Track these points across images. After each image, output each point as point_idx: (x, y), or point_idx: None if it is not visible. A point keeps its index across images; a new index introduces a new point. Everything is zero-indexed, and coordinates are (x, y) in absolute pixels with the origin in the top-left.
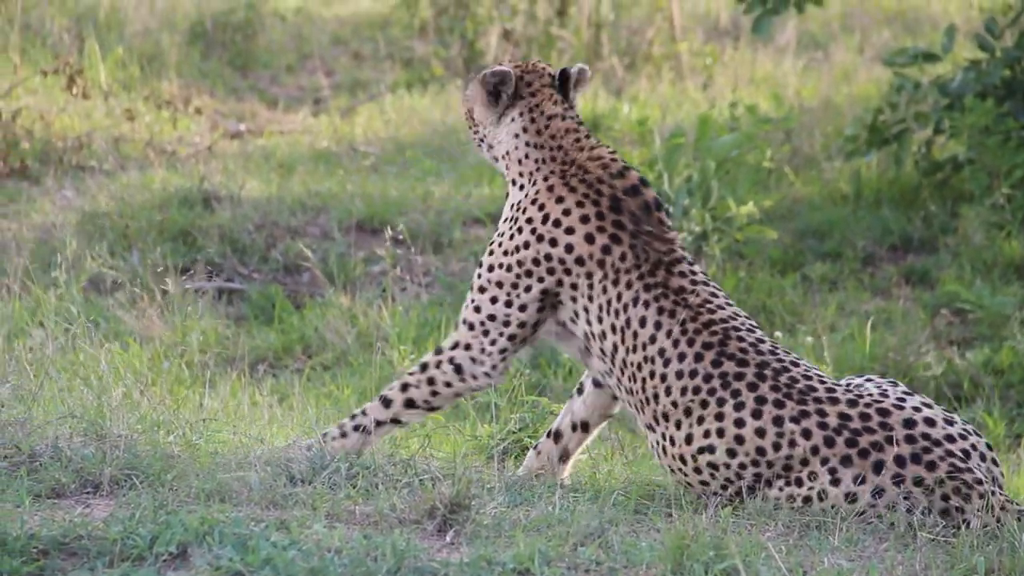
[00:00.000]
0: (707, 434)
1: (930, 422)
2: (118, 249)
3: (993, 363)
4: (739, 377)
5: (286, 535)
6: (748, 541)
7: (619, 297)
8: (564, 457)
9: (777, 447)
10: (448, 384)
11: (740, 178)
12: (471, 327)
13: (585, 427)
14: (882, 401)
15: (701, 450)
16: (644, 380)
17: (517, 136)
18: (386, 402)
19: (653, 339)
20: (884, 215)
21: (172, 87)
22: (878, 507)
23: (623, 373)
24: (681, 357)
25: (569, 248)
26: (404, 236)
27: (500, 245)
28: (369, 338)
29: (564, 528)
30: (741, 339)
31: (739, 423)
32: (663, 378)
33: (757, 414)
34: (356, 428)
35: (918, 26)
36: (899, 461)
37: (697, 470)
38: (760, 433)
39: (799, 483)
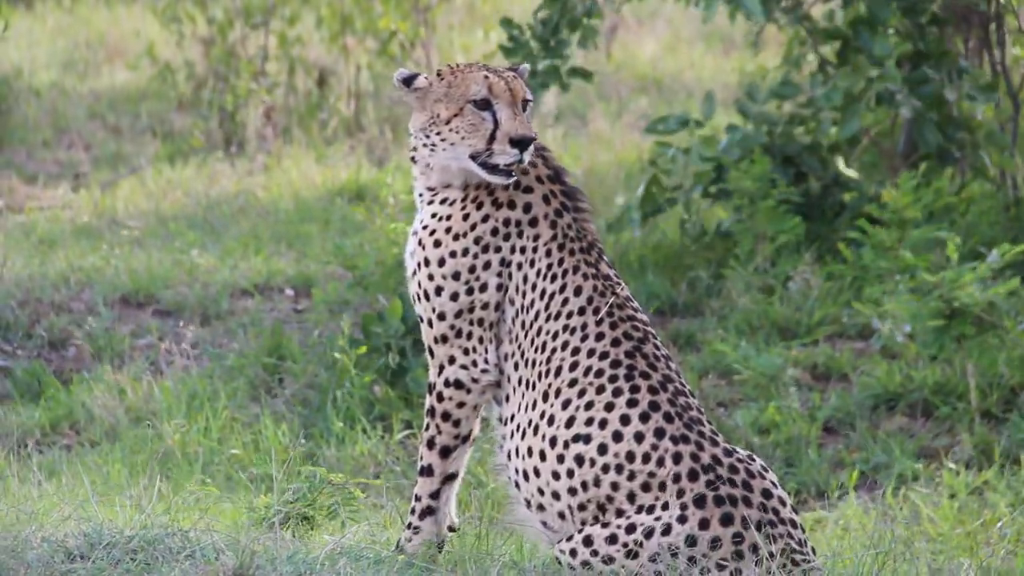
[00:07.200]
0: (590, 421)
1: (782, 501)
2: None
3: (759, 423)
4: (645, 376)
5: None
6: None
7: (560, 262)
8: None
9: (647, 458)
10: (461, 404)
11: None
12: (443, 340)
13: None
14: (752, 464)
15: (576, 437)
16: (554, 350)
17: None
18: (426, 470)
19: (582, 311)
20: (649, 280)
21: None
22: (709, 558)
23: (532, 344)
24: (599, 337)
25: (527, 207)
26: (170, 309)
27: (449, 231)
28: (138, 412)
29: None
30: (657, 347)
31: (624, 420)
32: (574, 351)
33: (644, 417)
34: (422, 515)
35: (673, 94)
36: (744, 522)
37: (560, 458)
38: (638, 438)
39: (651, 511)
